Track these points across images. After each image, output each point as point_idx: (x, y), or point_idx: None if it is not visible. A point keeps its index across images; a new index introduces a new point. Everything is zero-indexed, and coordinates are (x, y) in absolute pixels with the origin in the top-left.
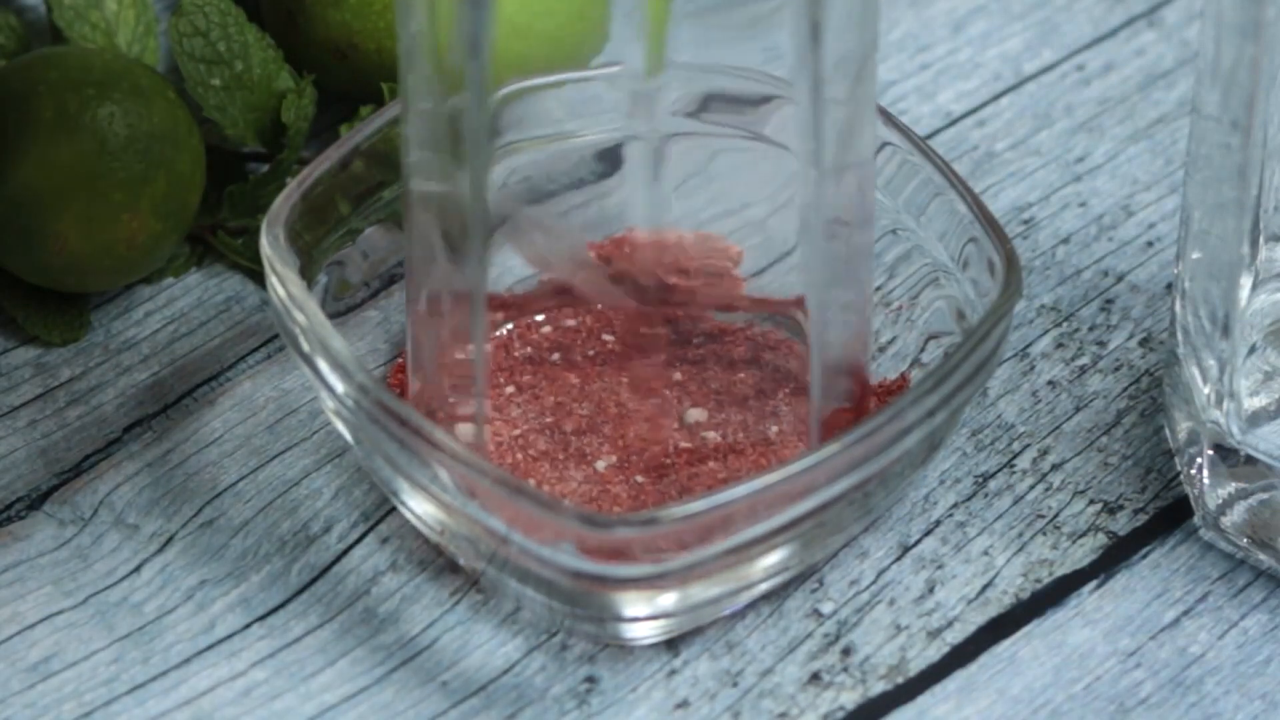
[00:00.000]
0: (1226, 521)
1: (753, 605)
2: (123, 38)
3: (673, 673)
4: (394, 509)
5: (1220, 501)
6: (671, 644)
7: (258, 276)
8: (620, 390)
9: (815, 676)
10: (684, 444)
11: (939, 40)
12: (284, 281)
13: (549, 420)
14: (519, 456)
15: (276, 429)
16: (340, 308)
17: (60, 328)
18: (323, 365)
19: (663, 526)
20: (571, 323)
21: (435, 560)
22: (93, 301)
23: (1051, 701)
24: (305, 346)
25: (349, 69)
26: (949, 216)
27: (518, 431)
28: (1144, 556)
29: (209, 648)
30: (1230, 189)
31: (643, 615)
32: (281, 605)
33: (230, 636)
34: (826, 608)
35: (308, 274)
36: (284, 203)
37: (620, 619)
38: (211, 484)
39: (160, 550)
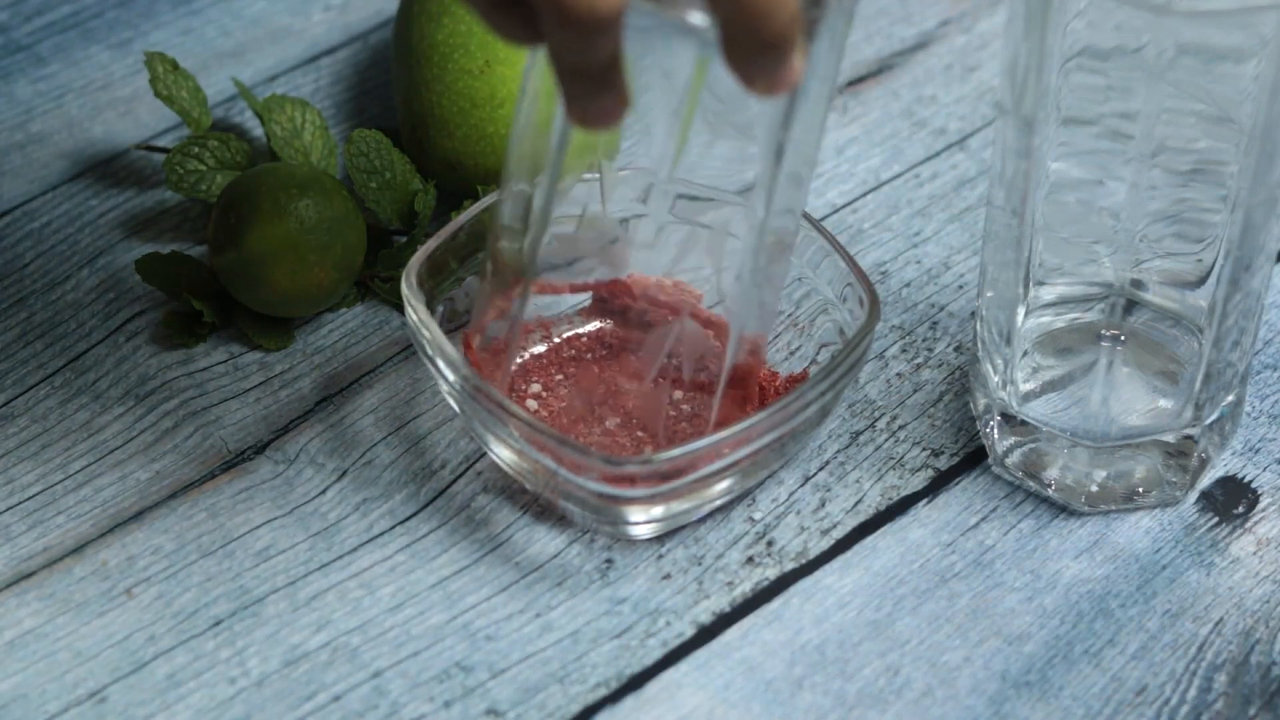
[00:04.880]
0: (1009, 461)
1: (711, 514)
2: (314, 156)
3: (660, 556)
4: (485, 454)
5: (1004, 448)
6: (660, 538)
7: (399, 307)
8: (620, 378)
9: (750, 559)
10: (670, 412)
11: (827, 158)
12: (416, 310)
13: (582, 395)
14: (564, 420)
15: (411, 403)
16: (451, 327)
17: (275, 339)
18: (440, 363)
19: (654, 465)
20: (584, 338)
21: (511, 486)
22: (295, 323)
23: (899, 574)
24: (429, 351)
25: (457, 177)
26: (834, 269)
27: (564, 404)
28: (957, 483)
29: (369, 540)
30: (1010, 253)
31: (641, 520)
32: (414, 514)
33: (382, 534)
34: (757, 515)
35: (431, 306)
36: (416, 261)
37: (628, 523)
38: (370, 437)
39: (338, 479)
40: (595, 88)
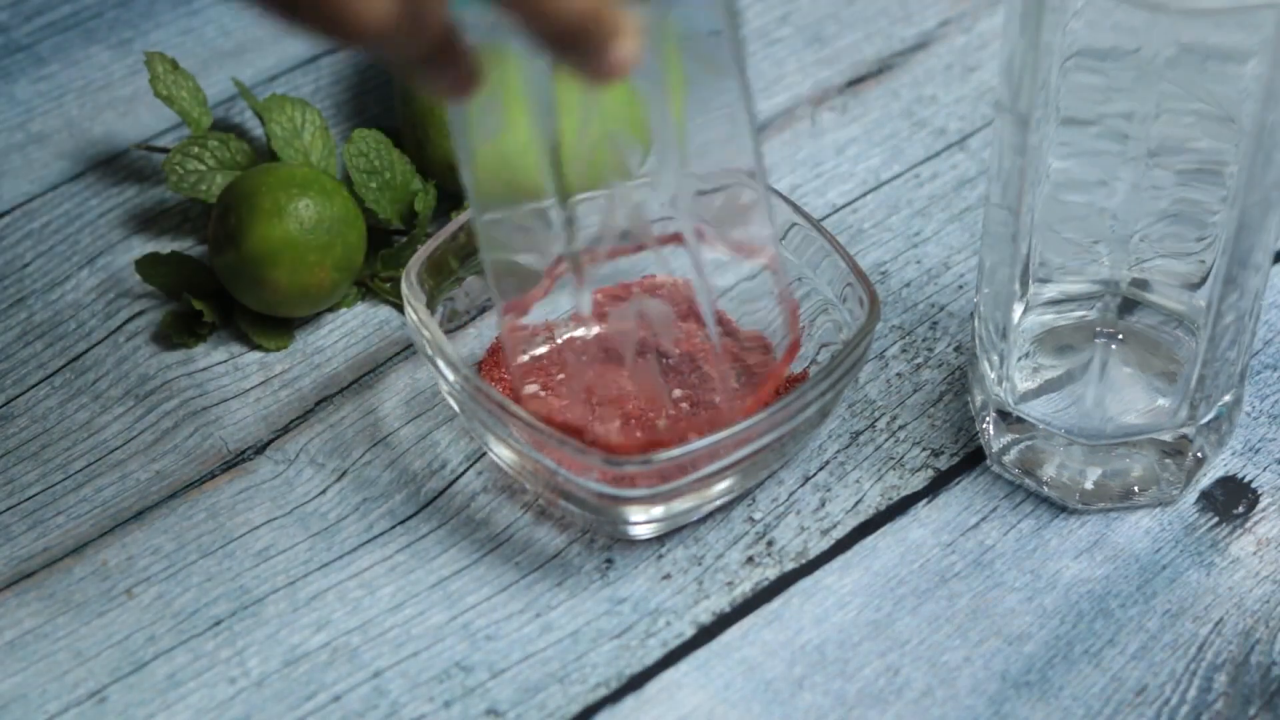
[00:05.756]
0: (1006, 459)
1: (711, 514)
2: (314, 156)
3: (660, 556)
4: (485, 454)
5: (1001, 445)
6: (660, 538)
7: (399, 307)
8: (622, 379)
9: (750, 559)
10: (670, 411)
11: (827, 158)
12: (416, 310)
13: (583, 396)
14: (565, 418)
15: (411, 403)
16: (451, 327)
17: (275, 339)
18: (440, 363)
19: (654, 465)
20: (580, 340)
21: (511, 485)
22: (296, 323)
23: (899, 574)
24: (429, 351)
25: (457, 177)
26: (834, 269)
27: (564, 403)
28: (957, 483)
29: (369, 540)
30: (1006, 249)
31: (641, 520)
32: (414, 514)
33: (382, 534)
34: (757, 515)
35: (431, 306)
36: (416, 261)
37: (627, 523)
38: (370, 437)
39: (338, 479)
40: (434, 69)
